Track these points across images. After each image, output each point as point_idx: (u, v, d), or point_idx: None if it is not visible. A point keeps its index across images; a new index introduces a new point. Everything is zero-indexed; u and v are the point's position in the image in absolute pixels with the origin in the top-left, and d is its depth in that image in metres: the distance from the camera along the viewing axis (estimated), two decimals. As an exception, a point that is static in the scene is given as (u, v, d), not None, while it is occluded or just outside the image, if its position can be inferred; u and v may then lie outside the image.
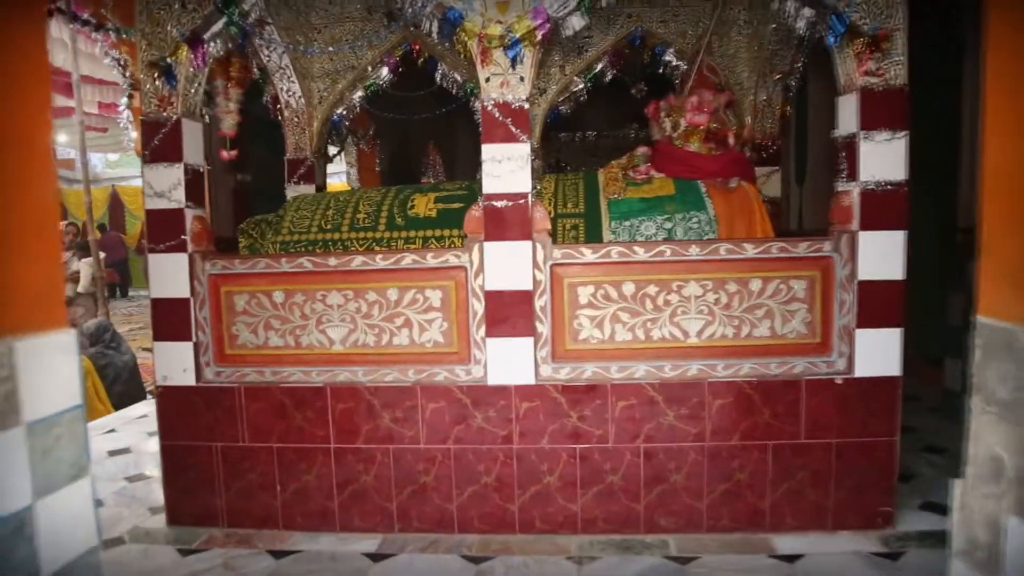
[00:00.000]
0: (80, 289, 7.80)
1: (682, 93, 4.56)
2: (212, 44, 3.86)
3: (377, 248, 4.20)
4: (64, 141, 10.15)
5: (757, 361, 3.73)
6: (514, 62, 3.65)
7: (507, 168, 3.66)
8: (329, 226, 4.34)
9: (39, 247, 2.26)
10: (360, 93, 5.59)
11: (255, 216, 4.75)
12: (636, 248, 3.70)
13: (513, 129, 3.66)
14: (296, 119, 5.45)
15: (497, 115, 3.67)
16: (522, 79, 3.68)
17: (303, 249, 4.26)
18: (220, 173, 6.41)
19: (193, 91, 3.94)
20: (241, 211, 6.56)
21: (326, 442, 3.87)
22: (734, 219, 4.18)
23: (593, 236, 4.13)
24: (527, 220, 3.68)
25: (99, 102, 8.72)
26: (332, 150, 9.03)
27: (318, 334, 3.89)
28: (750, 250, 3.69)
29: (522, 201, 3.67)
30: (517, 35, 3.61)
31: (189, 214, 3.92)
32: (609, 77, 5.59)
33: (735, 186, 4.28)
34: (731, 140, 4.38)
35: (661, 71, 5.47)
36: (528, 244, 3.68)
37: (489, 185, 3.68)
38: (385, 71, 5.54)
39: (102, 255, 8.93)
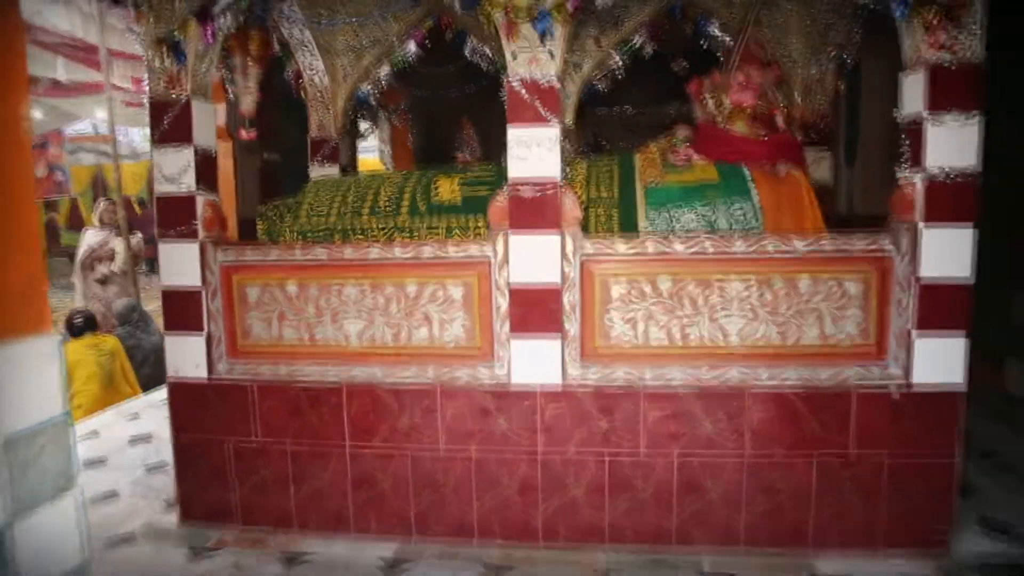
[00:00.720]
0: (115, 268, 7.67)
1: (727, 70, 4.17)
2: (223, 18, 3.58)
3: (398, 236, 3.92)
4: (102, 117, 10.02)
5: (804, 368, 3.38)
6: (543, 36, 3.31)
7: (535, 152, 3.34)
8: (349, 212, 4.07)
9: (14, 244, 2.02)
10: (386, 69, 5.26)
11: (277, 199, 4.50)
12: (674, 241, 3.36)
13: (542, 110, 3.33)
14: (320, 96, 5.17)
15: (524, 94, 3.34)
16: (552, 55, 3.33)
17: (321, 236, 4.00)
18: (247, 152, 6.18)
19: (204, 69, 3.68)
20: (268, 191, 6.34)
21: (341, 442, 3.63)
22: (781, 209, 3.80)
23: (628, 225, 3.79)
24: (556, 209, 3.36)
25: (132, 77, 8.54)
26: (364, 126, 8.79)
27: (333, 329, 3.64)
28: (800, 246, 3.32)
29: (551, 189, 3.35)
30: (546, 7, 3.26)
31: (200, 200, 3.68)
32: (649, 51, 5.18)
33: (783, 172, 3.90)
34: (779, 121, 3.98)
35: (704, 45, 5.04)
36: (557, 236, 3.37)
37: (515, 171, 3.36)
38: (412, 45, 5.21)
39: (138, 235, 8.83)
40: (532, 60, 3.34)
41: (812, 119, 4.58)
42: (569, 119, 5.09)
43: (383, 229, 3.96)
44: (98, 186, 15.13)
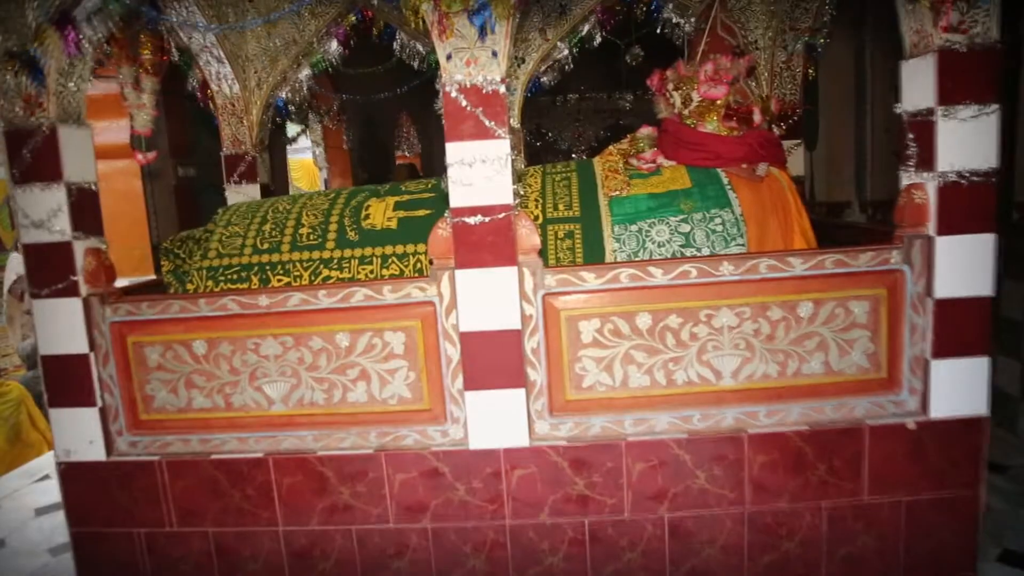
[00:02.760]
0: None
1: (693, 59, 3.58)
2: (90, 24, 2.83)
3: (325, 271, 3.25)
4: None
5: (808, 404, 2.83)
6: (483, 32, 2.65)
7: (480, 173, 2.70)
8: (266, 245, 3.37)
9: None
10: (307, 72, 4.54)
11: (185, 232, 3.77)
12: (652, 269, 2.76)
13: (486, 121, 2.68)
14: (230, 107, 4.41)
15: (463, 103, 2.69)
16: (494, 54, 2.68)
17: (234, 277, 3.30)
18: (159, 169, 5.39)
19: (72, 87, 2.93)
20: (186, 213, 5.56)
21: (273, 524, 2.97)
22: (766, 217, 3.24)
23: (592, 245, 3.19)
24: (510, 239, 2.72)
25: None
26: (294, 129, 8.00)
27: (253, 392, 2.96)
28: (798, 265, 2.76)
29: (502, 215, 2.71)
30: (485, -3, 2.61)
31: (79, 247, 2.95)
32: (598, 40, 4.55)
33: (764, 174, 3.34)
34: (757, 117, 3.41)
35: (660, 31, 4.44)
36: (512, 271, 2.74)
37: (458, 197, 2.71)
38: (334, 45, 4.50)
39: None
40: (471, 61, 2.68)
41: (785, 110, 4.02)
42: (515, 119, 4.44)
43: (307, 264, 3.28)
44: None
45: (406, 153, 10.13)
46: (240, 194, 4.45)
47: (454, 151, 2.70)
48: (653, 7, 4.35)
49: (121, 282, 5.09)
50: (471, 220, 2.71)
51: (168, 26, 3.94)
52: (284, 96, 4.57)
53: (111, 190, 5.15)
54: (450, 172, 2.70)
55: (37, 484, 4.70)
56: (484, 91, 2.68)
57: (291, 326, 2.89)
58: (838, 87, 5.79)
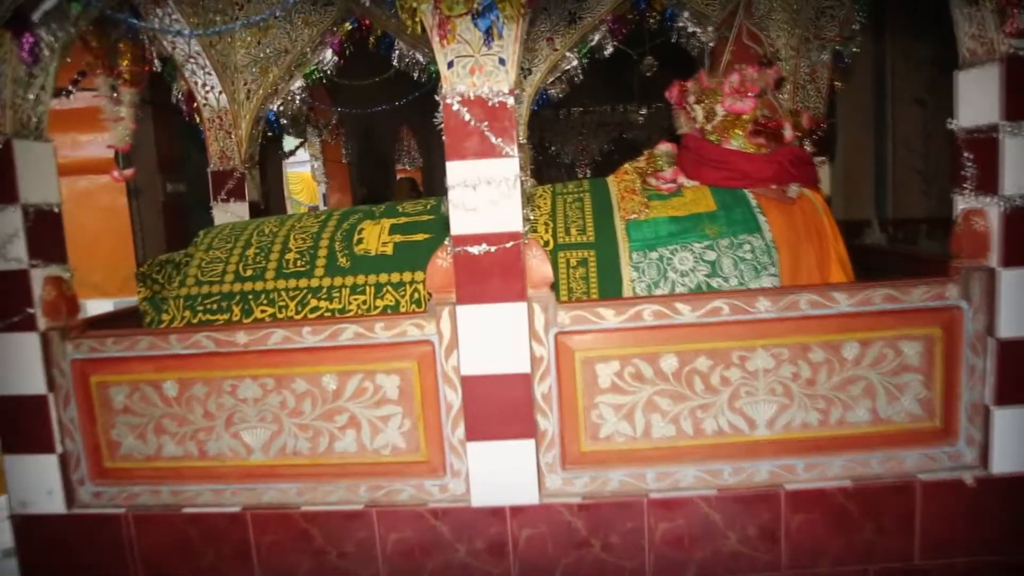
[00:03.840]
0: None
1: (716, 70, 3.24)
2: (48, 28, 2.49)
3: (313, 301, 2.89)
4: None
5: (852, 456, 2.47)
6: (489, 37, 2.30)
7: (486, 196, 2.34)
8: (250, 272, 3.02)
9: None
10: (299, 83, 4.20)
11: (168, 252, 3.43)
12: (679, 305, 2.40)
13: (492, 137, 2.33)
14: (218, 120, 4.05)
15: (467, 117, 2.33)
16: (502, 62, 2.33)
17: (214, 305, 2.95)
18: (146, 184, 5.03)
19: (31, 98, 2.58)
20: (175, 231, 5.19)
21: (250, 588, 2.61)
22: (799, 243, 2.89)
23: (608, 274, 2.84)
24: (518, 272, 2.36)
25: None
26: (291, 144, 7.65)
27: (229, 439, 2.59)
28: (843, 301, 2.40)
29: (510, 244, 2.35)
30: (491, -3, 2.26)
31: (38, 276, 2.59)
32: (609, 50, 4.21)
33: (795, 195, 2.99)
34: (787, 133, 3.06)
35: (675, 40, 4.09)
36: (521, 307, 2.37)
37: (460, 223, 2.35)
38: (329, 53, 4.15)
39: None
40: (475, 69, 2.33)
41: (814, 124, 3.66)
42: (522, 134, 4.09)
43: (294, 294, 2.92)
44: None
45: (407, 167, 9.78)
46: (227, 213, 4.09)
47: (456, 171, 2.34)
48: (668, 15, 4.01)
49: (105, 304, 4.74)
50: (475, 249, 2.35)
51: (149, 34, 3.60)
52: (275, 109, 4.22)
53: (95, 207, 4.81)
54: (451, 195, 2.35)
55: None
56: (490, 103, 2.33)
57: (272, 366, 2.52)
58: (856, 99, 5.43)
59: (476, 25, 2.30)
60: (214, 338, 2.53)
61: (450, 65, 2.34)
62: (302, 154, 8.28)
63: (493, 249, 2.34)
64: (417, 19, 2.35)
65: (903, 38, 4.95)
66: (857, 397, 2.45)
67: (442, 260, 2.41)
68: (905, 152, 5.32)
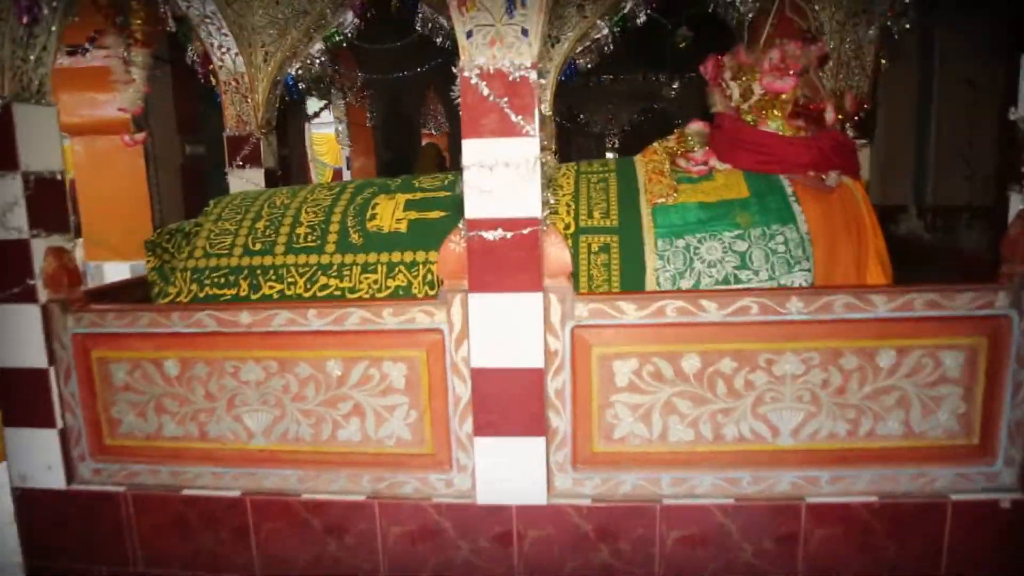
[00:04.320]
0: None
1: (755, 45, 3.01)
2: (48, -15, 2.34)
3: (323, 279, 2.76)
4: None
5: (880, 471, 2.30)
6: (511, 5, 2.12)
7: (503, 178, 2.17)
8: (259, 246, 2.89)
9: None
10: (319, 46, 4.02)
11: (178, 222, 3.31)
12: (705, 302, 2.23)
13: (512, 115, 2.16)
14: (234, 84, 3.89)
15: (485, 92, 2.16)
16: (524, 33, 2.15)
17: (221, 279, 2.83)
18: (165, 146, 4.90)
19: (33, 58, 2.45)
20: (193, 195, 5.06)
21: (249, 574, 2.52)
22: (836, 237, 2.69)
23: (631, 262, 2.67)
24: (535, 260, 2.21)
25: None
26: (315, 105, 7.48)
27: (231, 421, 2.49)
28: (881, 305, 2.21)
29: (527, 231, 2.19)
30: (516, -38, 2.08)
31: (38, 246, 2.49)
32: (642, 19, 3.96)
33: (835, 184, 2.78)
34: (829, 116, 2.84)
35: (712, 10, 3.83)
36: (537, 297, 2.22)
37: (475, 206, 2.20)
38: (350, 16, 3.96)
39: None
40: (496, 40, 2.15)
41: (858, 106, 3.41)
42: (547, 106, 3.89)
43: (303, 270, 2.79)
44: None
45: (433, 131, 9.57)
46: (243, 179, 3.96)
47: (472, 150, 2.18)
48: (708, -18, 3.75)
49: (121, 267, 4.65)
50: (490, 235, 2.19)
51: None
52: (294, 73, 4.05)
53: (112, 169, 4.70)
54: (466, 176, 2.19)
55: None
56: (511, 78, 2.15)
57: (275, 348, 2.41)
58: (898, 76, 5.10)
59: (499, -7, 2.11)
60: (216, 317, 2.41)
61: (469, 35, 2.16)
62: (327, 115, 8.13)
63: (509, 235, 2.19)
64: (436, -15, 2.17)
65: (953, 11, 4.63)
66: (890, 408, 2.28)
67: (455, 244, 2.26)
68: (950, 135, 5.04)
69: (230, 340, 2.43)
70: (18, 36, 2.37)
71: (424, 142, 9.12)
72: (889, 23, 3.36)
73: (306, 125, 7.49)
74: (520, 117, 2.15)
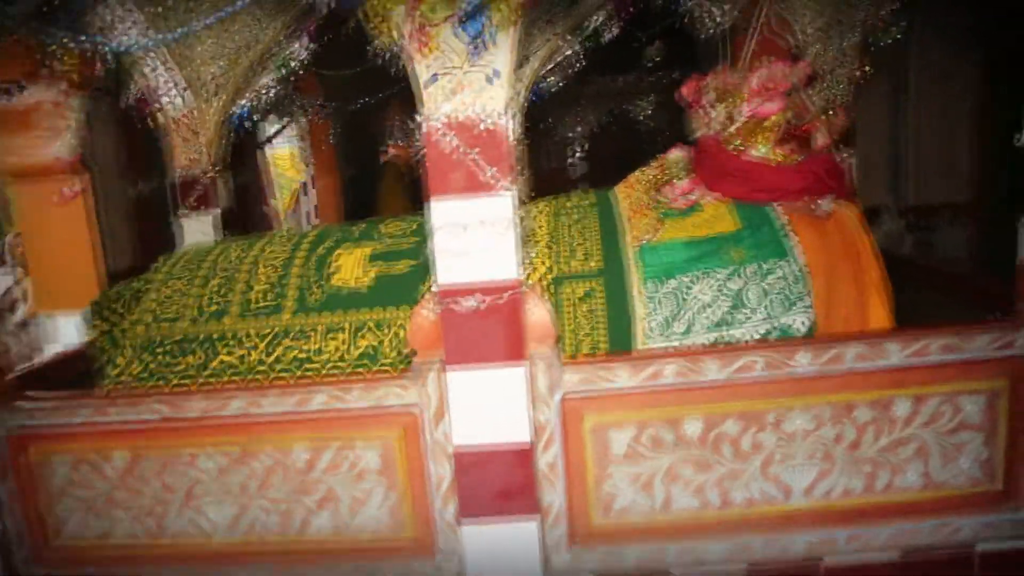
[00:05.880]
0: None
1: (737, 65, 2.80)
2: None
3: (284, 344, 2.51)
4: None
5: (900, 526, 2.12)
6: (477, 47, 1.89)
7: (477, 240, 1.94)
8: (212, 308, 2.62)
9: None
10: (272, 76, 3.74)
11: (127, 280, 3.02)
12: (706, 361, 2.02)
13: (484, 169, 1.92)
14: (183, 121, 3.60)
15: (452, 144, 1.92)
16: (495, 76, 1.92)
17: (174, 349, 2.56)
18: (112, 186, 4.56)
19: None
20: (148, 238, 4.72)
21: None
22: (834, 268, 2.49)
23: (618, 309, 2.45)
24: (517, 327, 1.98)
25: None
26: (273, 126, 7.14)
27: (191, 514, 2.23)
28: (895, 353, 2.02)
29: (507, 295, 1.96)
30: (480, -4, 1.84)
31: (-40, 331, 2.21)
32: (612, 34, 3.74)
33: (829, 211, 2.58)
34: (820, 139, 2.65)
35: (683, 23, 3.61)
36: (521, 369, 1.99)
37: (447, 271, 1.96)
38: (305, 42, 3.69)
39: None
40: (462, 86, 1.92)
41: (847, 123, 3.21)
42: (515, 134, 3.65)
43: (262, 335, 2.53)
44: None
45: (399, 142, 9.24)
46: (196, 223, 3.67)
47: (441, 210, 1.94)
48: (678, -6, 3.53)
49: (73, 317, 4.30)
50: (465, 303, 1.96)
51: (98, 27, 3.15)
52: (247, 105, 3.77)
53: (56, 213, 4.36)
54: (436, 239, 1.95)
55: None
56: (481, 127, 1.92)
57: (235, 435, 2.15)
58: (873, 77, 4.96)
59: (463, 31, 1.88)
60: (167, 404, 2.15)
61: (429, 80, 1.92)
62: (287, 131, 7.78)
63: (487, 302, 1.96)
64: (390, 25, 1.93)
65: (933, 11, 4.47)
66: (908, 459, 2.09)
67: (427, 313, 2.02)
68: (926, 133, 4.89)
69: (184, 429, 2.17)
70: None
71: (384, 161, 8.82)
72: (878, 36, 3.16)
73: (263, 148, 7.15)
74: (493, 171, 1.92)
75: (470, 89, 1.93)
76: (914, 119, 4.94)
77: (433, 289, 2.02)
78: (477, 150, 1.93)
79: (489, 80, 1.92)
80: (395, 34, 1.95)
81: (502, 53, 1.91)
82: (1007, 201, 4.76)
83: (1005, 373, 2.05)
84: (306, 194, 8.25)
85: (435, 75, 1.93)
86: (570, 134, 9.67)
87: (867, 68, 3.38)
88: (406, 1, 1.90)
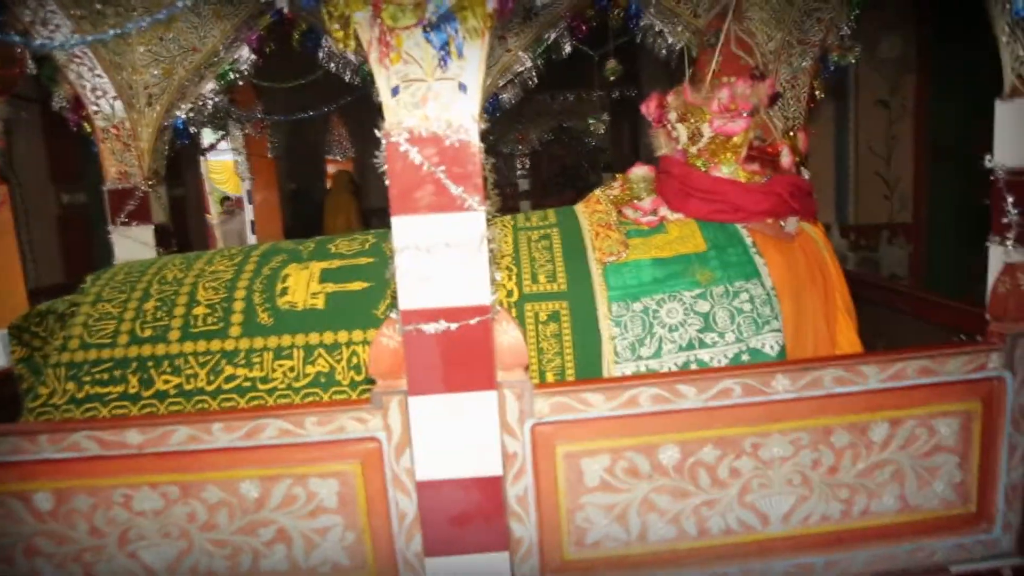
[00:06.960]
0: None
1: (700, 81, 2.77)
2: None
3: (229, 369, 2.33)
4: None
5: (877, 550, 2.08)
6: (446, 56, 1.77)
7: (444, 261, 1.81)
8: (149, 332, 2.42)
9: None
10: (211, 85, 3.54)
11: (50, 301, 2.76)
12: (683, 387, 1.94)
13: (451, 187, 1.80)
14: (113, 132, 3.36)
15: (418, 160, 1.79)
16: (463, 88, 1.80)
17: (104, 375, 2.35)
18: (35, 196, 4.24)
19: None
20: (75, 251, 4.42)
21: None
22: (802, 289, 2.47)
23: (585, 331, 2.37)
24: (486, 353, 1.85)
25: None
26: (211, 137, 6.88)
27: (124, 559, 2.01)
28: (872, 376, 1.98)
29: (476, 320, 1.84)
30: (449, 3, 1.73)
31: None
32: (568, 49, 3.69)
33: (795, 231, 2.56)
34: (786, 159, 2.63)
35: (639, 39, 3.59)
36: (490, 396, 1.87)
37: (411, 295, 1.82)
38: (246, 52, 3.51)
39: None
40: (428, 98, 1.79)
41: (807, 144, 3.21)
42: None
43: (204, 359, 2.34)
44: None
45: (338, 158, 9.04)
46: (128, 239, 3.42)
47: (404, 230, 1.80)
48: (632, 11, 3.51)
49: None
50: (430, 328, 1.82)
51: (19, 28, 2.91)
52: (184, 116, 3.55)
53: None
54: (399, 260, 1.81)
55: None
56: (448, 142, 1.80)
57: (175, 471, 1.95)
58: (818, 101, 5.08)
59: (429, 40, 1.76)
60: (97, 439, 1.94)
61: (394, 92, 1.79)
62: (225, 144, 7.50)
63: (454, 327, 1.83)
64: (351, 31, 1.80)
65: (869, 34, 4.59)
66: (884, 484, 2.06)
67: (388, 339, 1.88)
68: (868, 155, 5.01)
69: (117, 464, 1.95)
70: None
71: (332, 169, 8.60)
72: (836, 59, 3.18)
73: (200, 158, 6.86)
74: (461, 188, 1.79)
75: (437, 102, 1.80)
76: (856, 142, 5.06)
77: (392, 313, 1.88)
78: (443, 167, 1.81)
79: (457, 93, 1.81)
80: (355, 41, 1.82)
81: (471, 64, 1.80)
82: (947, 221, 4.96)
83: (978, 395, 2.04)
84: (242, 209, 7.95)
85: (398, 86, 1.80)
86: (510, 151, 9.64)
87: (817, 92, 3.40)
88: (368, 5, 1.78)
